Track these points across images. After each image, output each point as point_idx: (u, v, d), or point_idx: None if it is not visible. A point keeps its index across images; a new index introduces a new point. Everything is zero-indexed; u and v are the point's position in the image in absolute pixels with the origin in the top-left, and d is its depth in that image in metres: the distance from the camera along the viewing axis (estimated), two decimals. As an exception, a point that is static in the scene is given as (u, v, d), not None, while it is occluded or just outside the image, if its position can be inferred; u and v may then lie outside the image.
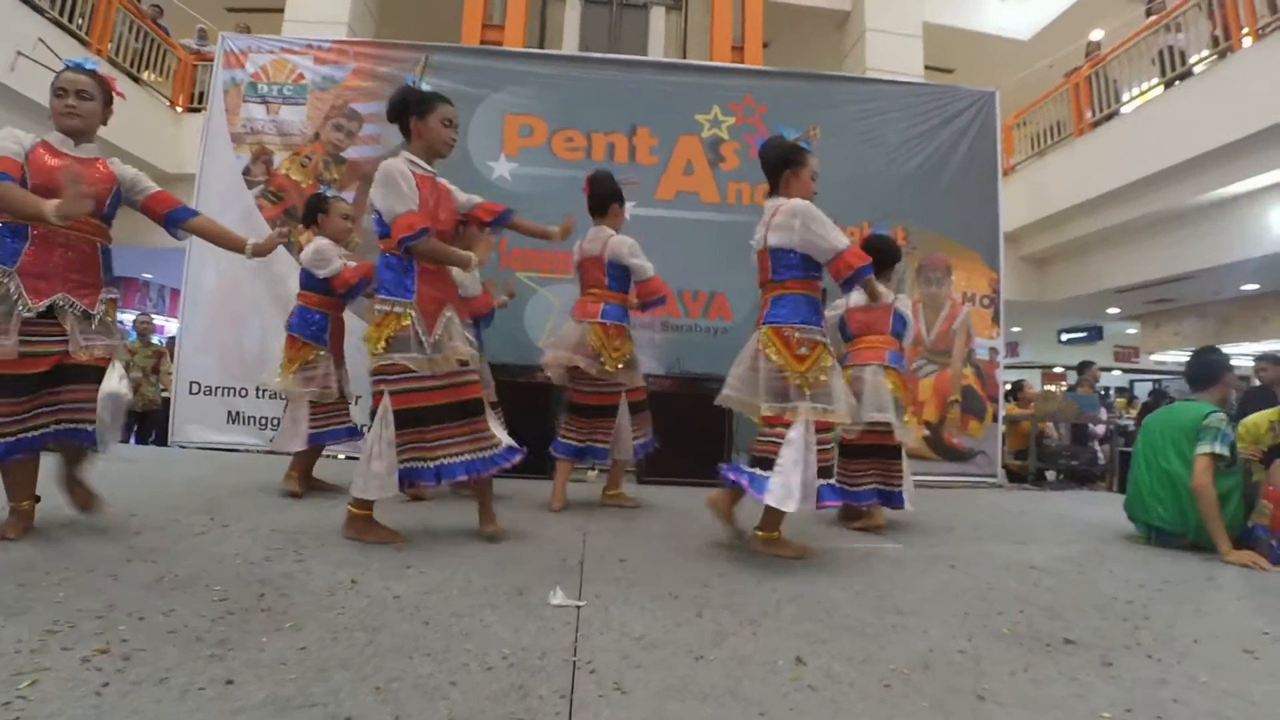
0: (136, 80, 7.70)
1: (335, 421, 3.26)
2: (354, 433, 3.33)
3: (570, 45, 6.82)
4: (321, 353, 3.21)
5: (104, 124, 2.28)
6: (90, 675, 1.21)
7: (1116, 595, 2.14)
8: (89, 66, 2.23)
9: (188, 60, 8.45)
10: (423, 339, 2.31)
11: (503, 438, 2.41)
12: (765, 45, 7.18)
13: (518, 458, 2.40)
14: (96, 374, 2.16)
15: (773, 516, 2.39)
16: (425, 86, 2.46)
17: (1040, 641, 1.66)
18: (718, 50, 6.75)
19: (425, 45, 5.40)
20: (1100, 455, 6.64)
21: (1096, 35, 8.81)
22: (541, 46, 6.71)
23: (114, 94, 2.31)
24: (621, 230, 3.31)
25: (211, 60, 7.95)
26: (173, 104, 8.34)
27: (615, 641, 1.50)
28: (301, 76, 5.21)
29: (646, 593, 1.89)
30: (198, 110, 8.28)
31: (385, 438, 2.30)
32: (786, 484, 2.25)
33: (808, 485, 2.27)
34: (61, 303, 2.10)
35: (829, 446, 2.40)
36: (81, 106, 2.17)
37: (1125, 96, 7.61)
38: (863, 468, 3.09)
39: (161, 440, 6.48)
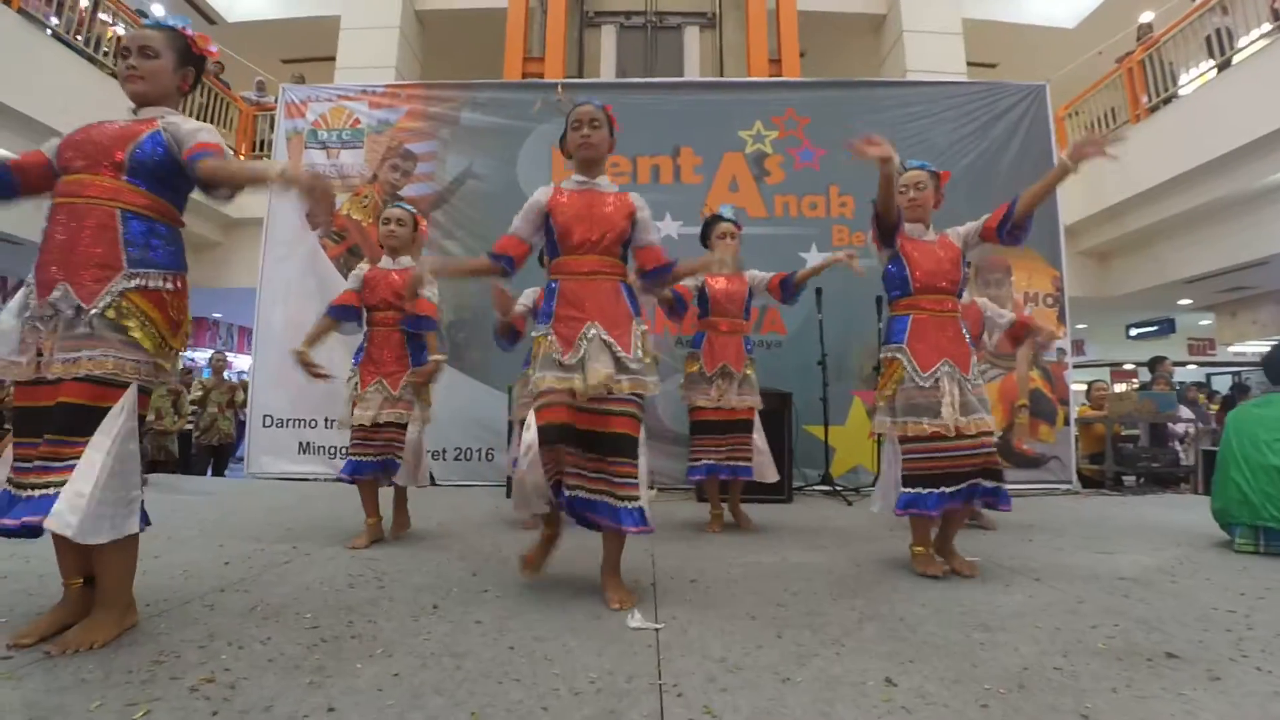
0: (204, 132, 8.17)
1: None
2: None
3: (608, 72, 6.97)
4: None
5: (186, 89, 1.83)
6: (199, 704, 1.26)
7: (1216, 605, 2.02)
8: (165, 22, 1.80)
9: (248, 111, 8.94)
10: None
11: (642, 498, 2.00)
12: (802, 55, 7.18)
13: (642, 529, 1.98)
14: (77, 411, 1.51)
15: (914, 527, 2.46)
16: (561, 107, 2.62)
17: (1140, 656, 1.58)
18: (755, 65, 6.78)
19: (470, 83, 5.60)
20: (1182, 455, 6.30)
21: (1146, 17, 8.49)
22: (580, 75, 6.87)
23: (199, 51, 1.82)
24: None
25: (270, 109, 8.45)
26: (236, 153, 8.82)
27: (698, 664, 1.50)
28: (358, 121, 5.47)
29: (722, 613, 1.88)
30: (259, 157, 8.76)
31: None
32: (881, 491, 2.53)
33: (885, 490, 2.48)
34: (58, 294, 1.56)
35: (923, 456, 2.35)
36: (143, 65, 1.72)
37: (1182, 79, 7.30)
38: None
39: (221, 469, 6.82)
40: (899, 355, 2.42)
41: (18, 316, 1.61)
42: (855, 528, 3.45)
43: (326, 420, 5.06)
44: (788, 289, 3.35)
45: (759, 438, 3.33)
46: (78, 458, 1.49)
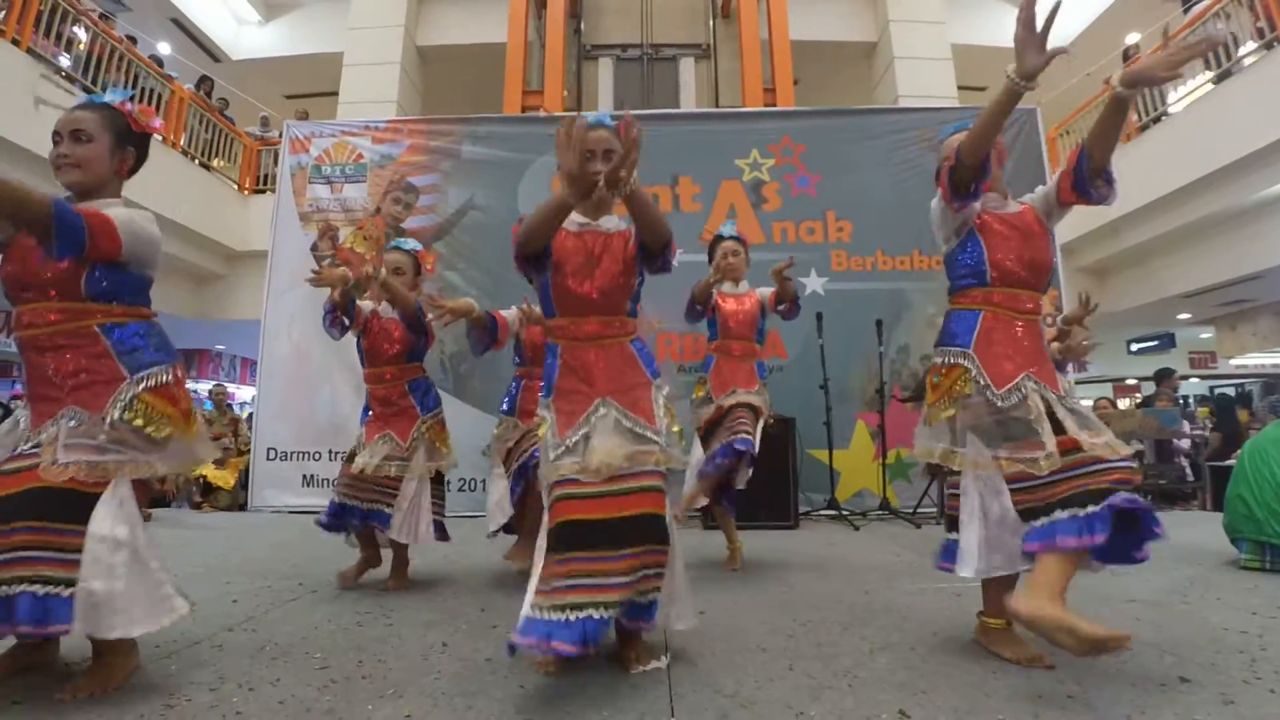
0: (207, 168, 8.32)
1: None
2: None
3: (606, 103, 7.09)
4: None
5: (125, 173, 1.71)
6: (214, 750, 1.26)
7: (1228, 626, 2.02)
8: (99, 99, 1.69)
9: (252, 146, 9.09)
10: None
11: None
12: (795, 83, 7.31)
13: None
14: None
15: (986, 595, 1.88)
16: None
17: (1153, 680, 1.57)
18: (749, 94, 6.90)
19: (470, 118, 5.71)
20: (1189, 472, 6.28)
21: (1132, 39, 8.66)
22: (579, 108, 6.99)
23: (139, 129, 1.71)
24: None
25: (274, 145, 8.59)
26: (240, 187, 8.95)
27: (710, 699, 1.50)
28: (361, 156, 5.56)
29: (732, 646, 1.87)
30: (263, 192, 8.90)
31: None
32: (964, 545, 1.78)
33: (973, 540, 1.76)
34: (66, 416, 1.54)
35: (1031, 484, 1.70)
36: (76, 152, 1.61)
37: (1171, 98, 7.42)
38: None
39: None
40: (963, 361, 1.81)
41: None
42: (862, 553, 3.44)
43: (330, 453, 5.06)
44: (781, 302, 3.15)
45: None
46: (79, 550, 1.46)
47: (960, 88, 9.09)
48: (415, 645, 1.89)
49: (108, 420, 1.53)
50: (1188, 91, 7.21)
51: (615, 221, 1.90)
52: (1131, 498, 1.58)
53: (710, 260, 3.26)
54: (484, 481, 5.21)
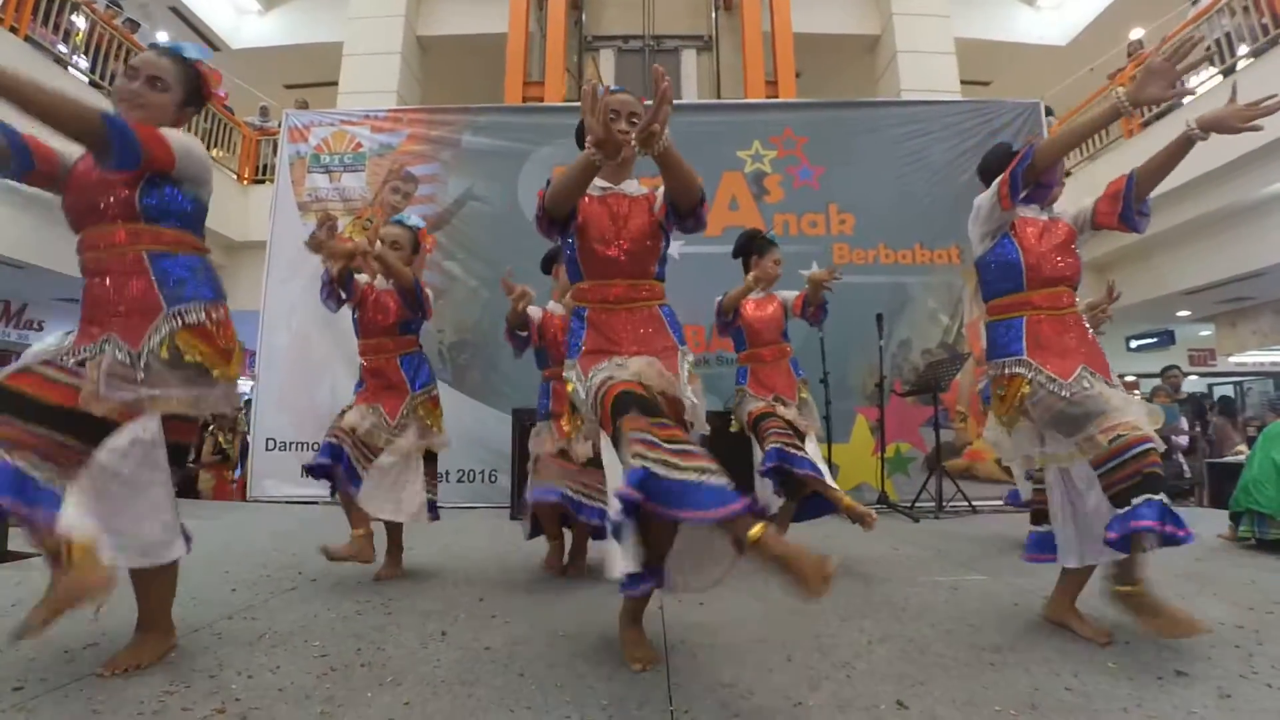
0: (207, 158, 8.28)
1: None
2: None
3: (607, 94, 7.06)
4: None
5: (179, 124, 1.74)
6: (212, 736, 1.25)
7: (1224, 620, 2.02)
8: (183, 51, 1.72)
9: (252, 136, 9.04)
10: None
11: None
12: (798, 75, 7.29)
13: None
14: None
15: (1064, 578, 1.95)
16: None
17: (1150, 675, 1.58)
18: (751, 86, 6.87)
19: (471, 108, 5.68)
20: (1186, 468, 6.29)
21: (1137, 34, 8.62)
22: (580, 99, 6.97)
23: (207, 94, 1.77)
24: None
25: (273, 135, 8.55)
26: (239, 177, 8.91)
27: (709, 690, 1.50)
28: (360, 145, 5.55)
29: (731, 637, 1.88)
30: (262, 182, 8.85)
31: None
32: (1061, 539, 1.89)
33: (1072, 531, 1.86)
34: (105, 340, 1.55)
35: (1119, 462, 1.73)
36: (148, 95, 1.64)
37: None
38: None
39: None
40: (1020, 370, 1.87)
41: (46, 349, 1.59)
42: (860, 546, 3.44)
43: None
44: (808, 308, 3.16)
45: (816, 454, 3.00)
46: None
47: (964, 82, 9.05)
48: (414, 634, 1.90)
49: (143, 356, 1.53)
50: (1197, 84, 7.19)
51: (636, 186, 1.91)
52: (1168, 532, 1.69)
53: (739, 255, 3.21)
54: (483, 473, 5.23)
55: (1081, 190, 8.28)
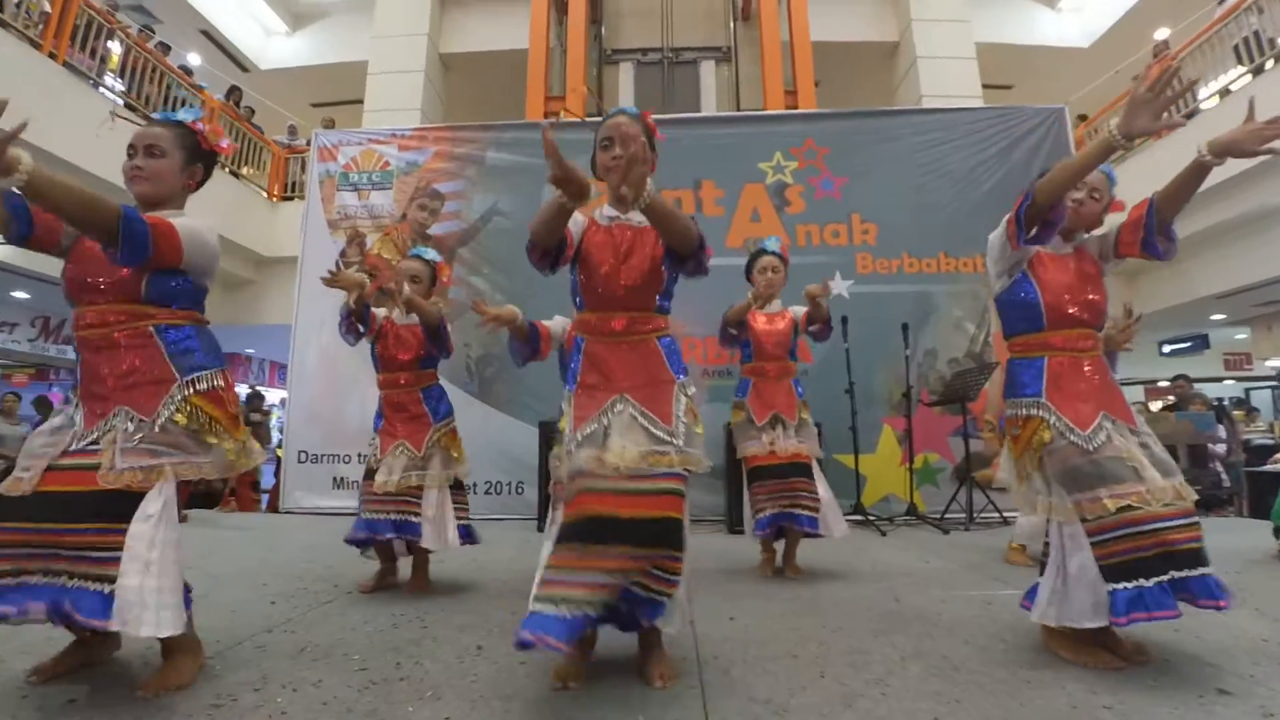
0: (237, 176, 8.51)
1: None
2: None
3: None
4: None
5: (194, 187, 1.82)
6: (262, 749, 1.30)
7: (1267, 637, 1.98)
8: (173, 117, 1.77)
9: (280, 155, 9.27)
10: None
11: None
12: (816, 84, 7.29)
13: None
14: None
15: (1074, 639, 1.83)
16: None
17: (1192, 693, 1.56)
18: (770, 96, 6.89)
19: (495, 125, 5.78)
20: (1224, 477, 6.15)
21: (1162, 34, 8.50)
22: (600, 114, 7.03)
23: (208, 148, 1.81)
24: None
25: (301, 152, 8.75)
26: (269, 195, 9.14)
27: (744, 705, 1.51)
28: (387, 163, 5.66)
29: (763, 653, 1.89)
30: (290, 199, 9.07)
31: None
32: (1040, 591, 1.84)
33: (1056, 589, 1.78)
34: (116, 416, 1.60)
35: (1121, 534, 1.68)
36: (149, 165, 1.70)
37: (1203, 94, 7.27)
38: None
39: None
40: (1038, 411, 1.83)
41: (49, 435, 1.61)
42: (890, 559, 3.42)
43: (360, 456, 5.14)
44: (813, 323, 3.10)
45: (824, 489, 3.02)
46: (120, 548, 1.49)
47: (985, 86, 8.99)
48: (450, 648, 1.93)
49: (159, 423, 1.58)
50: (1219, 88, 7.06)
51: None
52: (1221, 603, 1.63)
53: (747, 272, 3.16)
54: (510, 485, 5.28)
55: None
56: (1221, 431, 6.33)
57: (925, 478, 5.08)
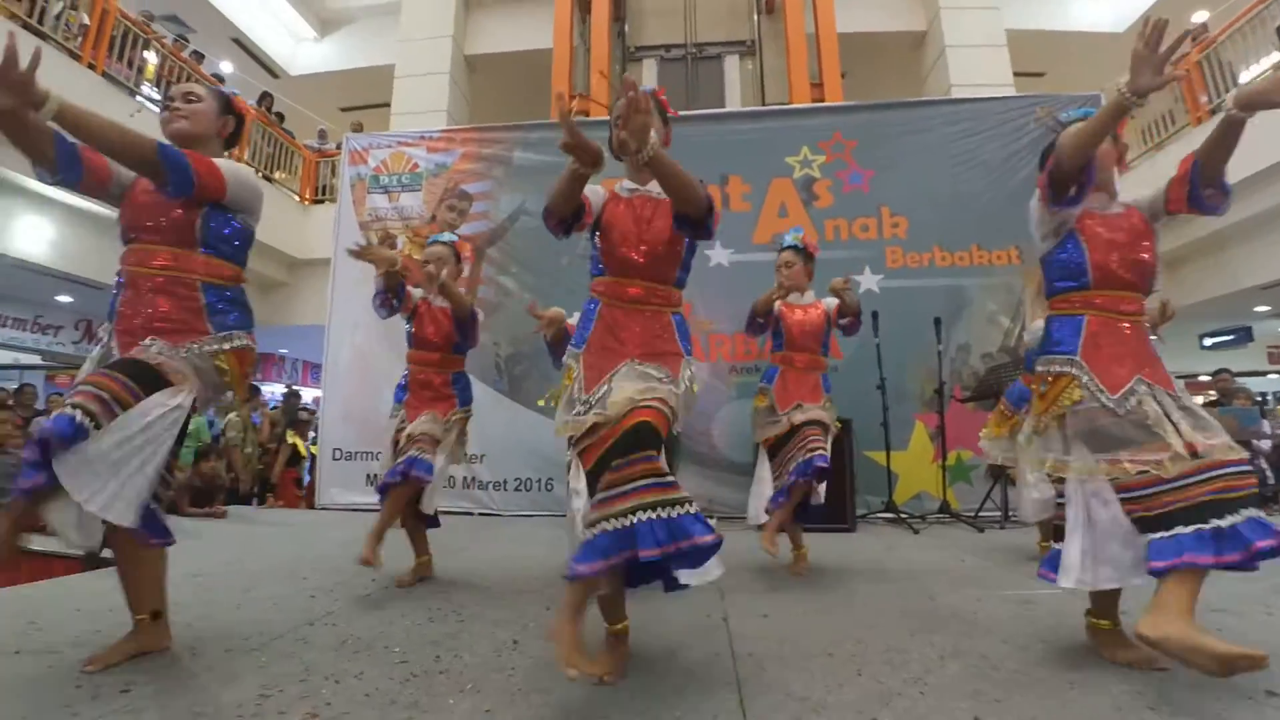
0: (269, 180, 8.70)
1: None
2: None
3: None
4: None
5: (225, 135, 1.92)
6: (308, 738, 1.33)
7: (1320, 640, 1.92)
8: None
9: (311, 159, 9.44)
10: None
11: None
12: (843, 76, 7.20)
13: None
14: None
15: (1094, 596, 1.82)
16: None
17: (1239, 694, 1.52)
18: (796, 90, 6.82)
19: (521, 125, 5.81)
20: (1269, 474, 5.96)
21: (1200, 17, 8.23)
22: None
23: (236, 108, 1.94)
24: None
25: (331, 156, 8.91)
26: (300, 198, 9.32)
27: (780, 703, 1.51)
28: (417, 165, 5.74)
29: (799, 650, 1.88)
30: (321, 202, 9.24)
31: None
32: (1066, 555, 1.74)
33: (1088, 554, 1.70)
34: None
35: (1143, 495, 1.65)
36: (186, 106, 1.82)
37: (1243, 77, 7.03)
38: None
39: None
40: (1070, 369, 1.77)
41: (94, 367, 1.72)
42: (923, 557, 3.39)
43: (392, 454, 5.25)
44: (844, 316, 3.12)
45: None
46: None
47: (1016, 74, 8.79)
48: (487, 642, 1.96)
49: (186, 350, 1.71)
50: (1262, 71, 6.83)
51: None
52: (1269, 542, 1.54)
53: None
54: (539, 481, 5.33)
55: (1145, 182, 7.93)
56: (1267, 427, 6.13)
57: (958, 475, 5.00)
